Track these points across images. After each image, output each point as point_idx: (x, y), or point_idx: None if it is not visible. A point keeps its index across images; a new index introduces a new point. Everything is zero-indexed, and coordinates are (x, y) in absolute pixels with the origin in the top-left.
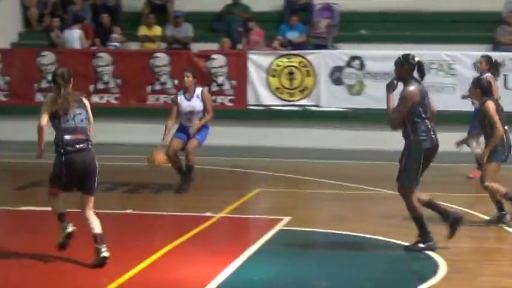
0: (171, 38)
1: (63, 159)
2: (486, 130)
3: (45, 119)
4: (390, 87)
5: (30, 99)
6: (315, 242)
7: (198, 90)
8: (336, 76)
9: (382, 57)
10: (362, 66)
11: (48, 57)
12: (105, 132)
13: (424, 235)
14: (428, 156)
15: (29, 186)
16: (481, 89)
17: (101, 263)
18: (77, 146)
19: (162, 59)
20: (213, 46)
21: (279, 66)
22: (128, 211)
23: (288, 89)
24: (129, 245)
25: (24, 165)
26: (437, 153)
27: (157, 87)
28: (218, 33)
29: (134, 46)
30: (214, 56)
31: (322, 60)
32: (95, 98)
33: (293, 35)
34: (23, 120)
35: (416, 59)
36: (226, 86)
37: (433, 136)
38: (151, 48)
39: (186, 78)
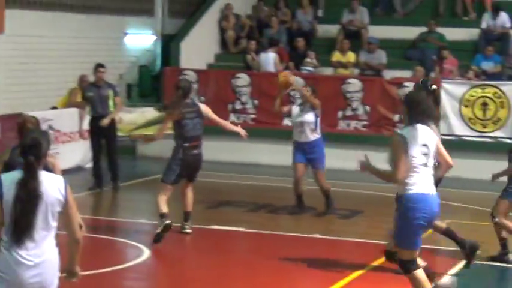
0: (364, 64)
1: None
2: None
3: None
4: None
5: (225, 120)
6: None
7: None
8: None
9: None
10: None
11: (242, 79)
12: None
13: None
14: None
15: (220, 206)
16: None
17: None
18: None
19: (354, 85)
20: (406, 74)
21: (472, 96)
22: (316, 235)
23: (481, 119)
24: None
25: (215, 184)
26: None
27: (349, 113)
28: (411, 61)
29: (327, 71)
30: (406, 84)
31: None
32: (287, 121)
33: (488, 65)
34: (216, 141)
35: (434, 86)
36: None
37: None
38: (344, 74)
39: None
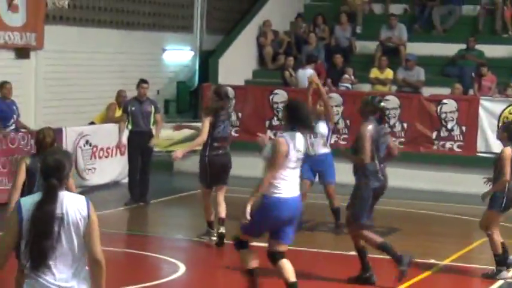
0: (402, 81)
1: None
2: (496, 174)
3: None
4: None
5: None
6: None
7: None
8: None
9: None
10: None
11: (280, 96)
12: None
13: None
14: (377, 195)
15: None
16: (508, 133)
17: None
18: None
19: (392, 102)
20: (444, 91)
21: (511, 113)
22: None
23: None
24: None
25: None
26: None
27: (386, 130)
28: (450, 78)
29: (365, 88)
30: (445, 101)
31: None
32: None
33: None
34: (254, 157)
35: (382, 104)
36: (456, 132)
37: (380, 177)
38: (382, 91)
39: (318, 106)
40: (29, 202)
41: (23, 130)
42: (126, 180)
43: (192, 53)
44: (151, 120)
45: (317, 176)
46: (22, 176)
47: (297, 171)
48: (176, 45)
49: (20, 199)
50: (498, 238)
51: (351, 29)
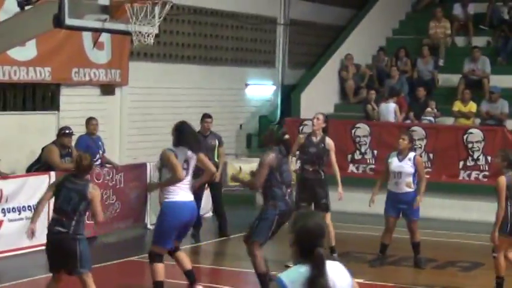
0: (486, 113)
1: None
2: None
3: None
4: None
5: (344, 170)
6: None
7: (411, 154)
8: None
9: None
10: None
11: (362, 129)
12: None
13: None
14: (283, 218)
15: (343, 256)
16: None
17: None
18: None
19: (475, 135)
20: None
21: None
22: None
23: None
24: None
25: (337, 235)
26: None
27: (470, 163)
28: None
29: (448, 121)
30: None
31: None
32: None
33: None
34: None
35: (286, 136)
36: None
37: (288, 200)
38: (465, 124)
39: (401, 140)
40: (292, 277)
41: (108, 165)
42: (209, 214)
43: (274, 87)
44: (215, 153)
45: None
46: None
47: (188, 180)
48: (258, 80)
49: (280, 275)
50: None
51: (433, 62)
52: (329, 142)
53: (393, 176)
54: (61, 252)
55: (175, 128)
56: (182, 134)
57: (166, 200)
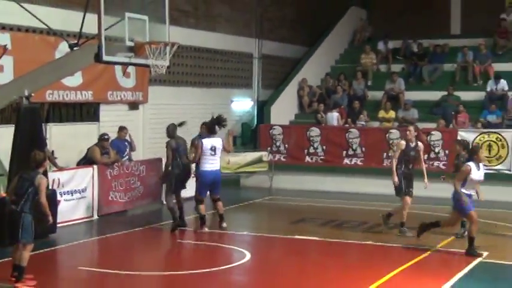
0: (402, 119)
1: None
2: None
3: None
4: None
5: (302, 160)
6: None
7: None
8: None
9: None
10: None
11: (314, 131)
12: (352, 184)
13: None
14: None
15: (300, 221)
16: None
17: None
18: None
19: (395, 134)
20: (432, 125)
21: (481, 140)
22: (369, 242)
23: (487, 157)
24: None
25: (296, 206)
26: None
27: (391, 153)
28: (436, 116)
29: (375, 124)
30: (433, 133)
31: None
32: (346, 161)
33: (491, 118)
34: (296, 175)
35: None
36: (441, 154)
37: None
38: (387, 126)
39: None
40: None
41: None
42: None
43: (252, 103)
44: None
45: None
46: None
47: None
48: (240, 97)
49: None
50: None
51: (364, 82)
52: (421, 146)
53: (473, 183)
54: (13, 224)
55: (206, 124)
56: (211, 128)
57: (199, 169)
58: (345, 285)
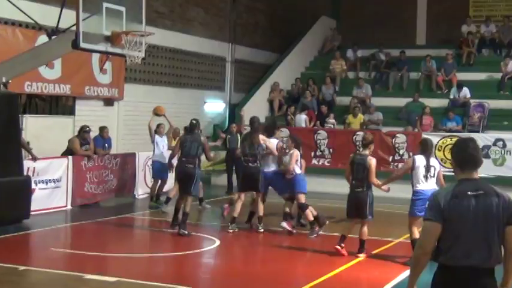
0: (368, 121)
1: None
2: None
3: None
4: None
5: None
6: None
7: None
8: (485, 152)
9: None
10: (504, 145)
11: (284, 132)
12: (321, 184)
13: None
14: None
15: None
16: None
17: None
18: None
19: (361, 136)
20: (397, 129)
21: (443, 143)
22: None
23: (449, 160)
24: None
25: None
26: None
27: None
28: (401, 120)
29: (342, 127)
30: (398, 135)
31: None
32: (314, 161)
33: (451, 125)
34: None
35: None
36: (405, 156)
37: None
38: (354, 129)
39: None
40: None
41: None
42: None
43: (224, 105)
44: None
45: None
46: None
47: None
48: (213, 99)
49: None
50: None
51: (333, 88)
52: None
53: None
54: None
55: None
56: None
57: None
58: (303, 274)
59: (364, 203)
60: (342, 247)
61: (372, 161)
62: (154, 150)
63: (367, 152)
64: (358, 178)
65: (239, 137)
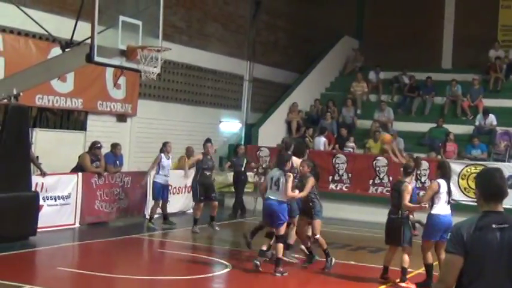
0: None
1: None
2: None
3: None
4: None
5: None
6: None
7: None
8: (511, 182)
9: None
10: None
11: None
12: (339, 211)
13: None
14: None
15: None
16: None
17: None
18: None
19: (382, 161)
20: (420, 155)
21: (467, 172)
22: (351, 262)
23: (472, 189)
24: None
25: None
26: None
27: (377, 181)
28: (423, 146)
29: (362, 151)
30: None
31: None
32: (332, 186)
33: (476, 153)
34: None
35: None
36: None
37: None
38: (374, 154)
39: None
40: None
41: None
42: (190, 210)
43: (240, 125)
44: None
45: None
46: None
47: None
48: (229, 119)
49: None
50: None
51: (354, 110)
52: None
53: None
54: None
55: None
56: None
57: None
58: None
59: (399, 230)
60: (385, 278)
61: (406, 187)
62: (158, 171)
63: (407, 178)
64: (394, 204)
65: (245, 160)
